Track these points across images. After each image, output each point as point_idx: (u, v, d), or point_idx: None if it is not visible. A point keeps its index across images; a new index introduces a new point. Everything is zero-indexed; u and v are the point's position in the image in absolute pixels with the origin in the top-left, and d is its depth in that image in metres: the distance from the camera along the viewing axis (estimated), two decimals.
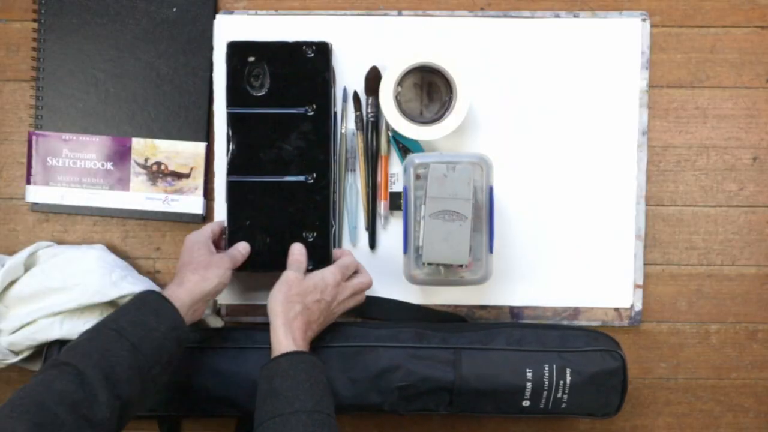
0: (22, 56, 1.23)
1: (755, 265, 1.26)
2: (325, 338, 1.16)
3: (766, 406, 1.27)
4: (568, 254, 1.23)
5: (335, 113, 1.21)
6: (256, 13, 1.22)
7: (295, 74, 1.18)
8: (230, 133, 1.17)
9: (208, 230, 1.16)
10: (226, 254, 1.14)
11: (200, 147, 1.23)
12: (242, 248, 1.17)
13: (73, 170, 1.22)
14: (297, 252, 1.16)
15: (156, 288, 1.21)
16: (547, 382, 1.14)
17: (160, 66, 1.22)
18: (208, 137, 1.23)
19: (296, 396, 1.01)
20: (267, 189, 1.18)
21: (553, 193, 1.23)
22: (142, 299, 1.05)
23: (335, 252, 1.19)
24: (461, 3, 1.23)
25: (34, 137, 1.22)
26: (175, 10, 1.22)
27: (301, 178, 1.18)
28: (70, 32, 1.22)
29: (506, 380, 1.14)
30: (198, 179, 1.23)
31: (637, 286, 1.24)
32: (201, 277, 1.08)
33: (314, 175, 1.18)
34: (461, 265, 1.15)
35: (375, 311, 1.24)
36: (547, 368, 1.14)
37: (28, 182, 1.22)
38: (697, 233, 1.25)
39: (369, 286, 1.18)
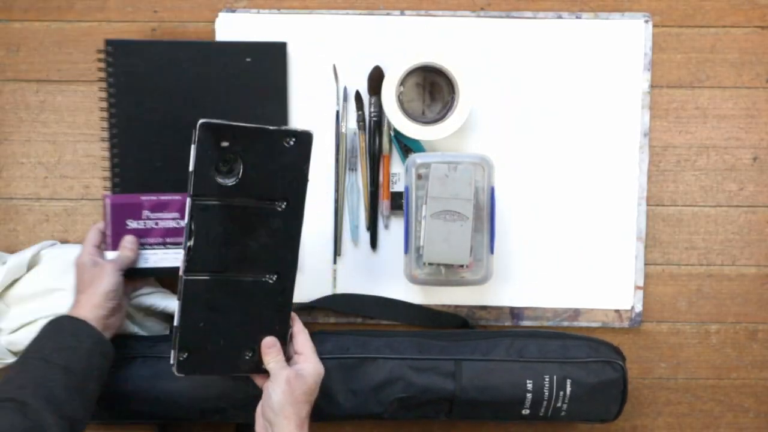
0: (23, 56, 1.23)
1: (755, 265, 1.26)
2: (326, 349, 1.15)
3: (766, 406, 1.27)
4: (569, 255, 1.24)
5: (337, 112, 1.21)
6: (258, 12, 1.22)
7: (270, 164, 1.04)
8: (192, 228, 1.02)
9: (87, 248, 1.14)
10: (109, 261, 1.13)
11: None
12: (128, 243, 1.15)
13: (155, 231, 1.18)
14: (274, 347, 1.07)
15: (157, 286, 1.21)
16: (547, 393, 1.14)
17: (236, 116, 1.12)
18: None
19: None
20: (226, 288, 1.05)
21: (554, 194, 1.23)
22: (55, 325, 1.06)
23: (295, 327, 1.09)
24: (461, 3, 1.23)
25: (110, 201, 1.16)
26: (249, 60, 1.20)
27: (263, 278, 1.06)
28: (141, 90, 1.19)
29: (506, 391, 1.14)
30: None
31: (637, 287, 1.24)
32: (89, 295, 1.08)
33: (277, 275, 1.06)
34: (462, 266, 1.15)
35: (375, 311, 1.24)
36: (547, 379, 1.14)
37: (108, 248, 1.16)
38: (697, 233, 1.25)
39: None
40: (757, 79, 1.24)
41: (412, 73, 1.18)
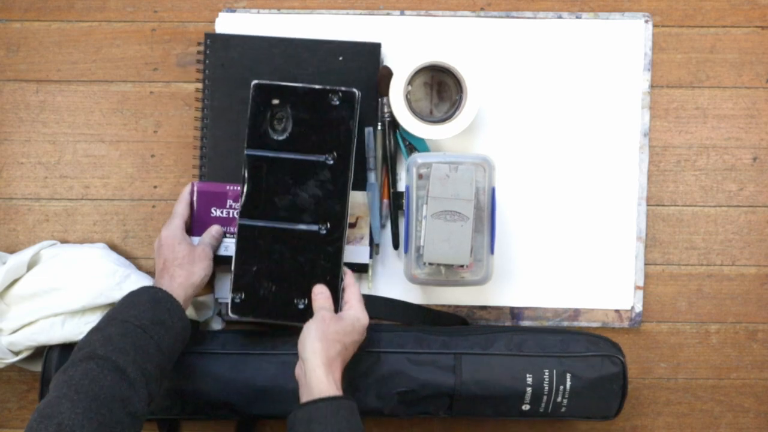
0: (22, 56, 1.23)
1: (755, 265, 1.26)
2: None
3: (766, 406, 1.27)
4: (569, 255, 1.24)
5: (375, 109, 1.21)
6: (258, 12, 1.22)
7: (319, 121, 1.13)
8: (246, 176, 1.13)
9: (180, 221, 1.16)
10: (206, 245, 1.15)
11: (365, 196, 1.20)
12: (215, 232, 1.18)
13: (236, 221, 1.18)
14: (322, 293, 1.13)
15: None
16: (547, 387, 1.14)
17: None
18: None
19: None
20: (278, 236, 1.14)
21: (554, 194, 1.23)
22: (154, 297, 1.05)
23: (346, 280, 1.15)
24: (461, 3, 1.23)
25: (197, 188, 1.19)
26: (341, 59, 1.20)
27: (314, 227, 1.14)
28: (234, 82, 1.21)
29: (506, 385, 1.14)
30: (364, 228, 1.20)
31: (637, 287, 1.24)
32: (188, 272, 1.10)
33: (328, 225, 1.14)
34: (462, 266, 1.15)
35: (375, 311, 1.23)
36: (547, 373, 1.14)
37: (192, 234, 1.19)
38: (697, 233, 1.25)
39: None
40: (757, 79, 1.24)
41: (419, 72, 1.18)
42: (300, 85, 1.13)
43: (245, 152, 1.13)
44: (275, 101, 1.13)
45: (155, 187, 1.25)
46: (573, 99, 1.23)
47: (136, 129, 1.24)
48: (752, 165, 1.25)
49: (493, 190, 1.14)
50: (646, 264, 1.25)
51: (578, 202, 1.23)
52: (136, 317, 1.02)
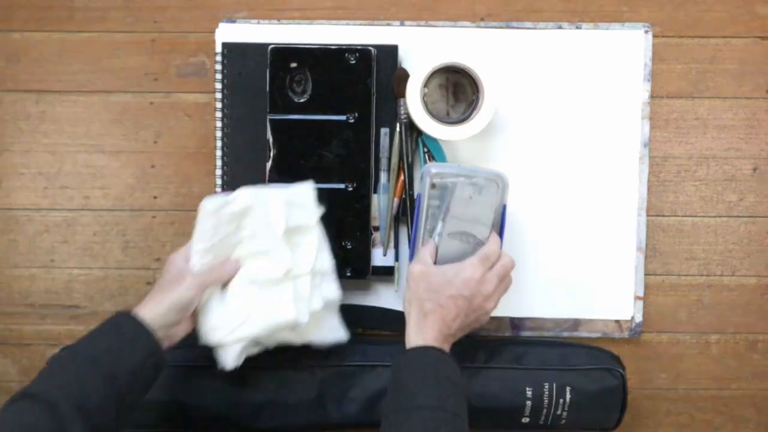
0: (23, 66, 1.23)
1: (755, 276, 1.26)
2: (324, 357, 1.15)
3: (767, 416, 1.27)
4: (569, 265, 1.23)
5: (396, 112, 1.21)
6: (258, 22, 1.22)
7: (337, 81, 1.17)
8: (271, 140, 1.17)
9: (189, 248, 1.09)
10: (195, 274, 1.06)
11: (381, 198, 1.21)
12: (230, 267, 1.09)
13: None
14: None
15: None
16: (546, 401, 1.14)
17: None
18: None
19: (419, 391, 0.97)
20: None
21: (554, 205, 1.23)
22: (116, 325, 1.00)
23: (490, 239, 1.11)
24: (461, 14, 1.23)
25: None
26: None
27: (341, 185, 1.18)
28: (252, 90, 1.20)
29: (506, 399, 1.14)
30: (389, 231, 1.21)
31: (637, 298, 1.24)
32: (159, 299, 1.04)
33: (354, 183, 1.18)
34: None
35: (375, 322, 1.23)
36: (547, 387, 1.14)
37: None
38: (697, 244, 1.25)
39: (512, 266, 1.10)
40: (757, 89, 1.24)
41: (434, 74, 1.18)
42: (316, 45, 1.17)
43: (268, 117, 1.17)
44: (293, 64, 1.17)
45: (155, 197, 1.25)
46: (573, 109, 1.23)
47: (136, 139, 1.24)
48: (752, 175, 1.25)
49: (504, 208, 1.12)
50: (646, 274, 1.25)
51: (578, 212, 1.23)
52: (89, 347, 0.98)
